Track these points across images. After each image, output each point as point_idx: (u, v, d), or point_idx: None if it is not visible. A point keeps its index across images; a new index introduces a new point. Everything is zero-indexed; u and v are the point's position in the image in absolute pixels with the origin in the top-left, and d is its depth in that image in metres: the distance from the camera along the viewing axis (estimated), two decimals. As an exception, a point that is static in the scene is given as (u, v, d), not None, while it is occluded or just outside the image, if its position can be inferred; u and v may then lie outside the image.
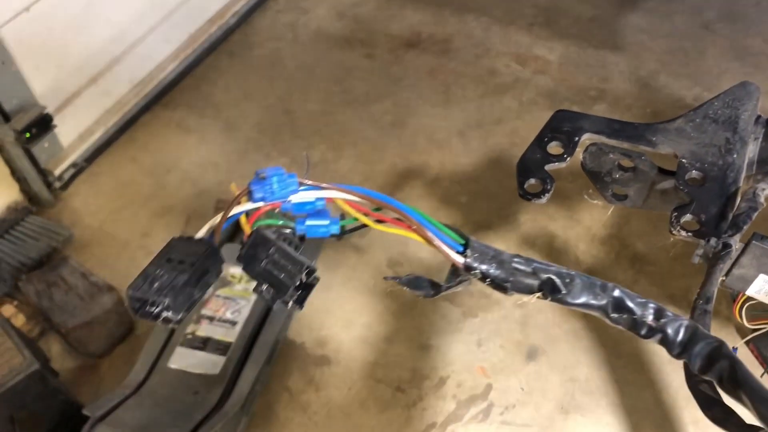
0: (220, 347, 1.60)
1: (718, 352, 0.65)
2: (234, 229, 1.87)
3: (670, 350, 0.67)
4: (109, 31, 2.17)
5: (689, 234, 0.90)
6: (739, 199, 0.93)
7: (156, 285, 0.60)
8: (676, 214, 0.92)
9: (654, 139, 1.02)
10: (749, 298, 1.08)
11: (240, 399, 1.51)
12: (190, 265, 0.62)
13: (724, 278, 0.91)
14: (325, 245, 1.89)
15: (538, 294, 0.68)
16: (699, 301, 0.85)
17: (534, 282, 0.68)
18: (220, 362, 1.58)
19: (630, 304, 0.66)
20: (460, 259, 0.68)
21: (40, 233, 1.92)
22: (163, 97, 2.40)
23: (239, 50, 2.61)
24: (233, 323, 1.64)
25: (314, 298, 1.78)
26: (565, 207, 1.98)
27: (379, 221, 0.69)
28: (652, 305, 0.66)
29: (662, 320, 0.65)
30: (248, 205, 0.66)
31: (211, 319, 1.65)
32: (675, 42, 2.53)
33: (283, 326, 1.70)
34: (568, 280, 0.66)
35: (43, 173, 2.01)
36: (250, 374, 1.56)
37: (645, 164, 1.04)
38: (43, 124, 1.91)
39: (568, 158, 1.00)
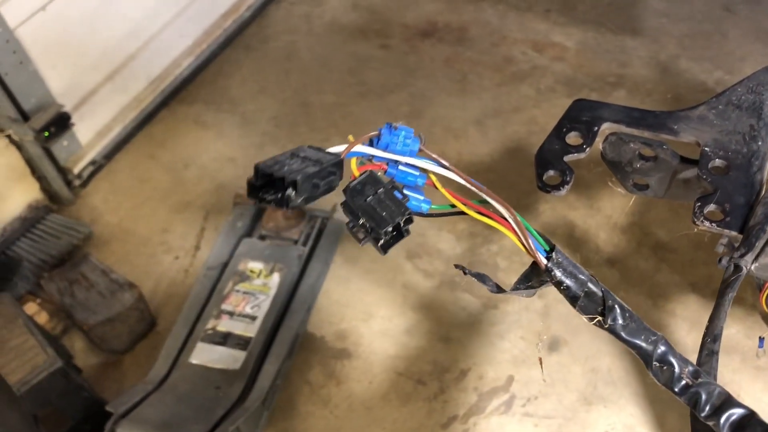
0: (241, 342, 1.61)
1: (749, 421, 0.67)
2: (252, 224, 1.87)
3: (700, 411, 0.69)
4: (124, 28, 2.18)
5: (713, 224, 0.88)
6: (763, 191, 0.90)
7: (286, 168, 0.63)
8: (699, 204, 0.89)
9: (675, 127, 0.99)
10: (775, 288, 1.06)
11: (261, 393, 1.52)
12: (319, 163, 0.65)
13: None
14: (343, 239, 1.88)
15: (599, 318, 0.70)
16: (706, 339, 0.83)
17: (600, 306, 0.70)
18: (241, 357, 1.58)
19: (672, 359, 0.68)
20: (543, 261, 0.72)
21: (61, 231, 1.93)
22: (179, 93, 2.40)
23: (254, 44, 2.61)
24: (253, 318, 1.65)
25: (333, 290, 1.80)
26: (585, 196, 1.95)
27: (479, 212, 0.73)
28: (691, 366, 0.68)
29: (699, 380, 0.67)
30: (369, 149, 0.71)
31: (231, 314, 1.66)
32: (695, 25, 2.48)
33: (303, 320, 1.70)
34: (627, 315, 0.69)
35: (63, 171, 2.02)
36: (271, 369, 1.56)
37: (666, 153, 1.02)
38: (61, 123, 1.92)
39: (588, 149, 0.98)
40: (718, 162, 0.95)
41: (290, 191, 0.62)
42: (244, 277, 1.73)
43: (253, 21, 2.68)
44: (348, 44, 2.57)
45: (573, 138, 0.99)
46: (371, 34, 2.60)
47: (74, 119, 1.98)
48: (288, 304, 1.69)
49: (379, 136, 0.70)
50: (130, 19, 2.19)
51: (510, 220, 0.70)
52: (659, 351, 0.69)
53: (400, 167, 0.71)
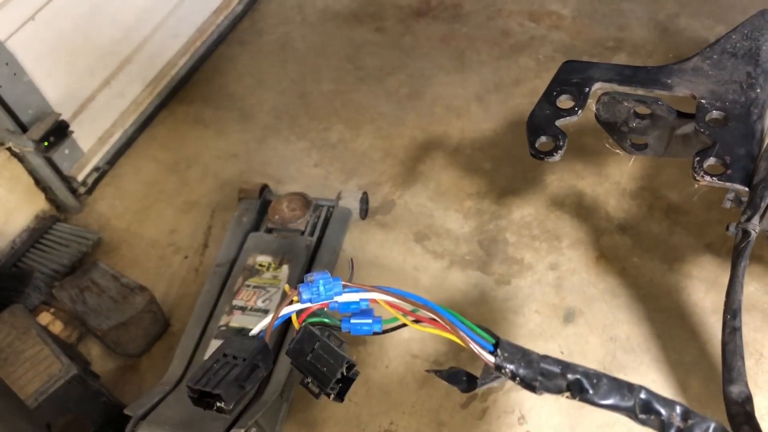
0: (254, 336, 1.60)
1: None
2: (258, 219, 1.87)
3: None
4: (116, 32, 2.17)
5: (714, 179, 0.85)
6: (765, 144, 0.86)
7: (211, 379, 0.66)
8: (698, 158, 0.86)
9: (669, 81, 0.96)
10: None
11: (278, 386, 1.51)
12: (243, 360, 0.68)
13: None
14: (351, 226, 1.87)
15: (567, 393, 0.67)
16: (726, 316, 0.80)
17: (562, 382, 0.68)
18: (255, 351, 1.57)
19: (657, 405, 0.65)
20: (491, 359, 0.70)
21: (69, 240, 1.94)
22: (177, 93, 2.40)
23: (249, 38, 2.59)
24: (265, 311, 1.64)
25: (344, 278, 1.78)
26: (592, 164, 1.92)
27: (417, 321, 0.72)
28: (679, 407, 0.65)
29: (690, 421, 0.64)
30: (297, 306, 0.72)
31: (243, 309, 1.65)
32: (694, -19, 2.43)
33: (315, 310, 1.69)
34: (595, 381, 0.67)
35: (67, 180, 2.03)
36: (286, 361, 1.55)
37: (662, 109, 0.99)
38: (60, 131, 1.92)
39: (580, 111, 0.95)
40: (715, 114, 0.92)
41: (219, 403, 0.65)
42: (253, 271, 1.72)
43: (245, 15, 2.66)
44: (343, 30, 2.55)
45: (564, 101, 0.97)
46: (365, 18, 2.57)
47: (73, 127, 1.98)
48: (299, 296, 1.68)
49: (299, 294, 0.71)
50: (122, 23, 2.19)
51: (447, 325, 0.69)
52: (641, 401, 0.66)
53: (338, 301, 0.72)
